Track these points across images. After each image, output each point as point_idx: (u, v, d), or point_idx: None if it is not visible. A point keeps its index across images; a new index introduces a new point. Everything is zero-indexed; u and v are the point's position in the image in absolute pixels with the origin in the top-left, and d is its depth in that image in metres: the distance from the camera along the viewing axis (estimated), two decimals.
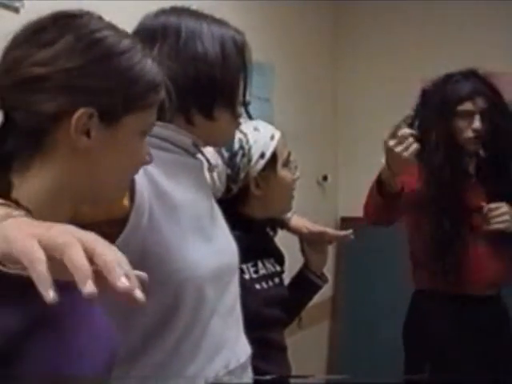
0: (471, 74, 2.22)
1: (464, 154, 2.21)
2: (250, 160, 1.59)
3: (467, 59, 3.12)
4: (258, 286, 1.60)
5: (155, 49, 1.15)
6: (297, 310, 1.85)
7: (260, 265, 1.64)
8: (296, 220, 1.83)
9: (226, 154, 1.58)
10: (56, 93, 0.83)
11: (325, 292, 3.46)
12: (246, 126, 1.61)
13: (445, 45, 3.31)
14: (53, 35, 0.85)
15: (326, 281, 1.83)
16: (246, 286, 1.50)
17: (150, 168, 1.10)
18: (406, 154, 1.93)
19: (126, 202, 1.05)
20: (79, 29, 0.86)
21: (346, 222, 3.65)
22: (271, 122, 1.76)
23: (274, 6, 2.98)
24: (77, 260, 0.62)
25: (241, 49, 1.23)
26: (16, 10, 1.70)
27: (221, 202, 1.57)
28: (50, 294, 0.60)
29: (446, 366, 2.18)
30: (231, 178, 1.59)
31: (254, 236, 1.63)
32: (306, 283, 1.81)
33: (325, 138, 3.53)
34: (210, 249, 1.18)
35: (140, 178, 1.07)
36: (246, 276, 1.58)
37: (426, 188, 2.18)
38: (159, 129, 1.14)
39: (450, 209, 2.17)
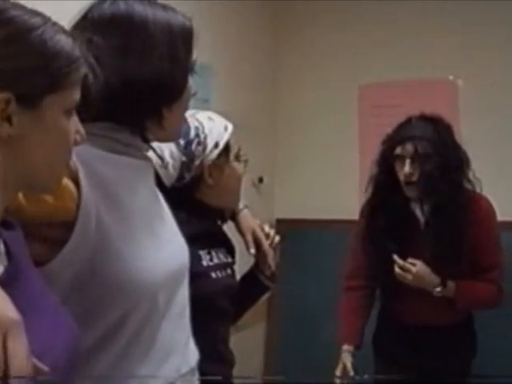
0: (419, 118, 2.26)
1: (406, 199, 2.26)
2: (204, 148, 1.61)
3: (405, 65, 3.20)
4: (213, 275, 1.60)
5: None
6: (243, 310, 1.85)
7: (213, 253, 1.64)
8: (245, 218, 1.81)
9: (181, 142, 1.59)
10: None
11: None
12: (201, 115, 1.64)
13: (384, 48, 3.31)
14: None
15: (275, 282, 1.83)
16: (202, 274, 1.54)
17: (99, 170, 1.07)
18: None
19: (70, 204, 1.00)
20: None
21: (281, 224, 3.66)
22: None
23: (210, 6, 2.96)
24: None
25: (189, 38, 1.19)
26: None
27: (175, 187, 1.59)
28: None
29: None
30: (185, 166, 1.60)
31: (207, 222, 1.65)
32: (255, 283, 1.81)
33: (262, 139, 3.53)
34: (162, 254, 1.15)
35: (86, 181, 1.03)
36: (204, 262, 1.59)
37: (364, 223, 2.35)
38: (106, 131, 1.11)
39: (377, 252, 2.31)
